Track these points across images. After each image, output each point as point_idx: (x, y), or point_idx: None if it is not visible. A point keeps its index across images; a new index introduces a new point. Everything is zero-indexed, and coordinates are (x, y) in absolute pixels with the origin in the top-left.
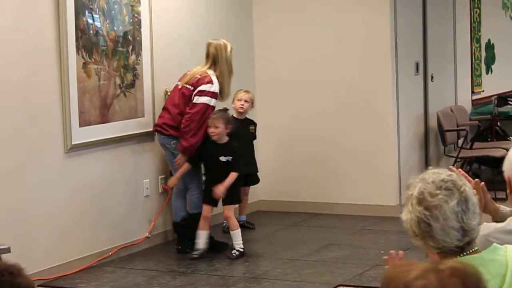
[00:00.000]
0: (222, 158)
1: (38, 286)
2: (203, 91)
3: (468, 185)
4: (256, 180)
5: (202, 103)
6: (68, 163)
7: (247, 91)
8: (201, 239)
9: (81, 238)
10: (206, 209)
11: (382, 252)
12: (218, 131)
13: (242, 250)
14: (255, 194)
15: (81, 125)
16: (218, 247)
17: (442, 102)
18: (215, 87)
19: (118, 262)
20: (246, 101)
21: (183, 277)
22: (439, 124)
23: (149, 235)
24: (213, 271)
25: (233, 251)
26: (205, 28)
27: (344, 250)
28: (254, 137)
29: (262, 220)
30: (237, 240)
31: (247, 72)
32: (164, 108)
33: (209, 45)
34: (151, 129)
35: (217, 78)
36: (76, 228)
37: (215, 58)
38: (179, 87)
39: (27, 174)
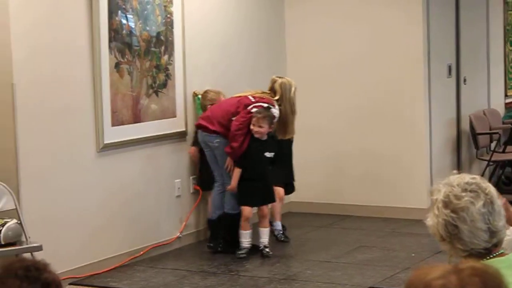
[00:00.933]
0: (268, 154)
1: (70, 284)
2: (266, 106)
3: (492, 187)
4: (292, 189)
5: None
6: (100, 163)
7: None
8: (246, 239)
9: (113, 237)
10: (247, 210)
11: (413, 255)
12: (262, 130)
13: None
14: (287, 196)
15: (113, 125)
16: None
17: (475, 105)
18: (275, 111)
19: (149, 261)
20: None
21: (214, 277)
22: (472, 127)
23: (180, 235)
24: (243, 271)
25: (266, 250)
26: (236, 28)
27: (375, 252)
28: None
29: (293, 222)
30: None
31: (279, 73)
32: (211, 109)
33: (274, 81)
34: (183, 129)
35: (280, 114)
36: (108, 227)
37: (281, 96)
38: (239, 95)
39: (59, 173)
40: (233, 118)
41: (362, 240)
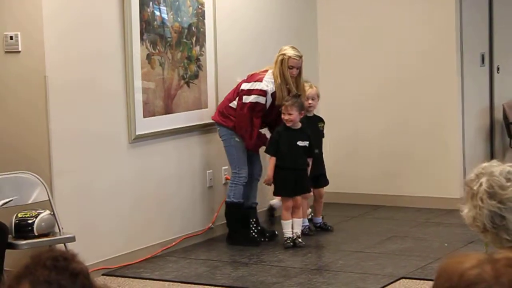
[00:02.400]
0: (300, 143)
1: (103, 275)
2: (252, 90)
3: None
4: (326, 181)
5: (249, 103)
6: (132, 153)
7: (311, 86)
8: (289, 228)
9: (145, 228)
10: (288, 200)
11: (446, 245)
12: (292, 117)
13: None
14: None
15: (145, 116)
16: (269, 236)
17: (508, 94)
18: (263, 85)
19: (181, 252)
20: (313, 99)
21: (245, 268)
22: (505, 117)
23: (212, 226)
24: (275, 262)
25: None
26: (268, 20)
27: (407, 242)
28: (323, 135)
29: (326, 212)
30: (298, 227)
31: (310, 65)
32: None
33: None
34: (214, 120)
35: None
36: (140, 218)
37: (275, 63)
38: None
39: (92, 164)
40: (230, 104)
41: (395, 230)
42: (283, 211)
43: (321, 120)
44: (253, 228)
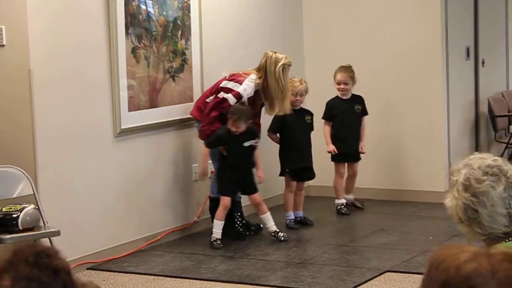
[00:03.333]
0: (246, 144)
1: (88, 269)
2: (230, 89)
3: None
4: (311, 175)
5: (223, 98)
6: (117, 147)
7: (301, 81)
8: (219, 229)
9: (130, 222)
10: (226, 200)
11: (431, 238)
12: (240, 130)
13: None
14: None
15: (130, 110)
16: (254, 229)
17: (493, 88)
18: (242, 89)
19: (166, 246)
20: (301, 95)
21: (231, 262)
22: (490, 110)
23: (197, 220)
24: (261, 255)
25: (279, 234)
26: (253, 13)
27: (392, 236)
28: (311, 128)
29: (311, 206)
30: (270, 222)
31: (296, 57)
32: None
33: (264, 54)
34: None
35: (263, 91)
36: (125, 212)
37: (264, 69)
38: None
39: (77, 158)
40: (207, 100)
41: (380, 224)
42: (221, 210)
43: (308, 113)
44: (238, 222)
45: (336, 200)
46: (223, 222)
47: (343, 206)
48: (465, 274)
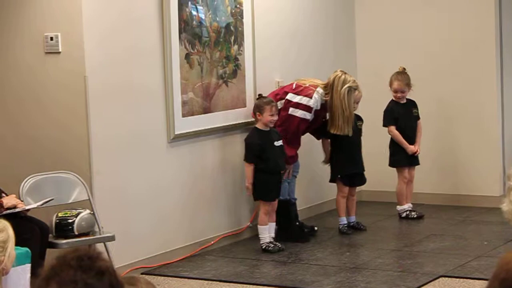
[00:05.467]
0: (276, 143)
1: (142, 273)
2: (299, 104)
3: None
4: (363, 180)
5: (298, 117)
6: (171, 153)
7: (359, 90)
8: (266, 233)
9: (184, 227)
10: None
11: (485, 243)
12: (276, 117)
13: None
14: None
15: (184, 115)
16: (308, 231)
17: None
18: (312, 102)
19: (220, 251)
20: (357, 102)
21: (284, 267)
22: None
23: (251, 224)
24: (314, 260)
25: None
26: (305, 17)
27: (447, 241)
28: (361, 134)
29: (364, 211)
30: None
31: (348, 62)
32: None
33: (334, 72)
34: (253, 119)
35: (330, 107)
36: (179, 217)
37: (332, 87)
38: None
39: (131, 164)
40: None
41: (434, 229)
42: (262, 215)
43: (360, 119)
44: (297, 223)
45: (397, 206)
46: (267, 226)
47: (409, 212)
48: None
